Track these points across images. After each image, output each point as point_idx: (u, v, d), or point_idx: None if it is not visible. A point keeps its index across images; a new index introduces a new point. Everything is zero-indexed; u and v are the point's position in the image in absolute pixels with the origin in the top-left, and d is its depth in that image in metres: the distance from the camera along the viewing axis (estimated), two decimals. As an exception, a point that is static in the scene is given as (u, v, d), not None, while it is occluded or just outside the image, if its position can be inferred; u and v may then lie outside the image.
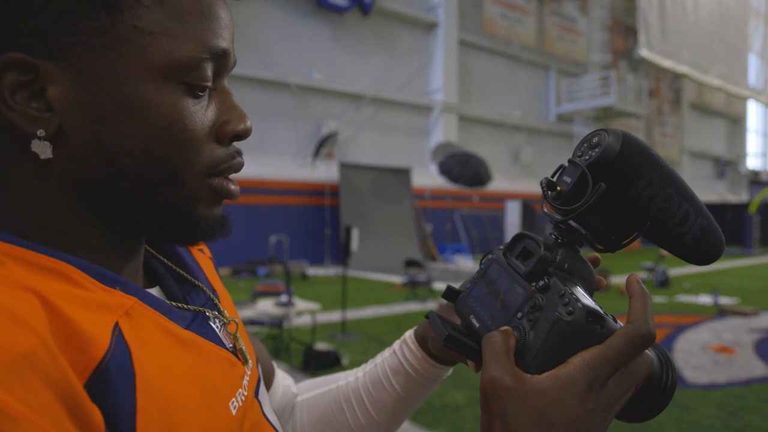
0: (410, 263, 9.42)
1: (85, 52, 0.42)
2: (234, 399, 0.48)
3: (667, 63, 20.16)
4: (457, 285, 0.60)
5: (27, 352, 0.32)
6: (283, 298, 5.22)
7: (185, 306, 0.51)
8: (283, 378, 0.74)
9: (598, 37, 21.86)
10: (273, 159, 13.63)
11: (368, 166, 14.43)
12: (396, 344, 0.68)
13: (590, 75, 20.65)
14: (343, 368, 5.00)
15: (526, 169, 19.57)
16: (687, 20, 21.16)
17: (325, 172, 14.00)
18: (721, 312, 8.05)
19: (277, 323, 5.27)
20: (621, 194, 0.48)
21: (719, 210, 25.41)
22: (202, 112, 0.46)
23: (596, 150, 0.47)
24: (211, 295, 0.56)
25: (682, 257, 0.51)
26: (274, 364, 0.74)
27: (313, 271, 12.40)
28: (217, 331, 0.52)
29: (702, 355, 5.78)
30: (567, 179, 0.48)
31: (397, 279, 10.58)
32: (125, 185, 0.44)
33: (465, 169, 11.78)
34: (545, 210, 0.51)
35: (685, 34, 20.90)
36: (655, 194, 0.48)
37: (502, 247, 0.56)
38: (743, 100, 29.47)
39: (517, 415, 0.41)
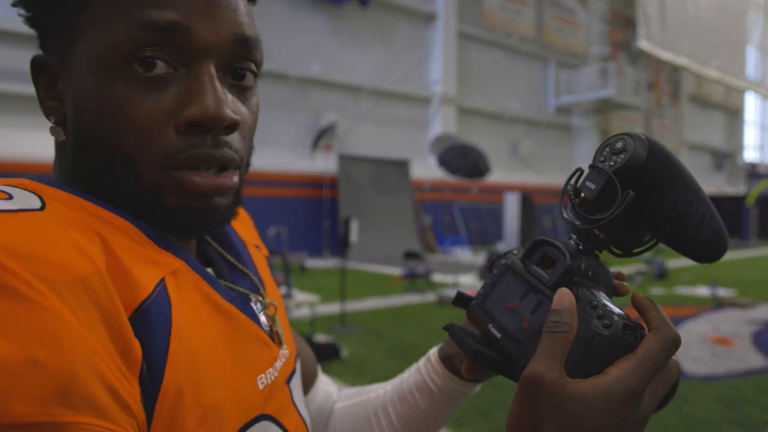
0: (409, 255, 9.42)
1: (69, 47, 0.46)
2: (263, 375, 0.49)
3: (666, 55, 20.09)
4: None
5: (83, 276, 0.36)
6: (282, 290, 5.20)
7: (231, 286, 0.53)
8: (326, 384, 0.76)
9: (598, 29, 21.76)
10: (271, 151, 13.52)
11: (367, 158, 14.36)
12: (421, 361, 0.68)
13: (589, 67, 20.57)
14: (342, 360, 5.00)
15: (524, 161, 19.53)
16: (686, 12, 21.05)
17: (324, 163, 13.96)
18: (719, 304, 8.05)
19: (275, 315, 5.26)
20: (643, 201, 0.46)
21: (717, 202, 25.24)
22: (153, 98, 0.44)
23: (621, 156, 0.46)
24: (257, 283, 0.58)
25: (690, 257, 0.51)
26: (319, 369, 0.76)
27: (312, 262, 12.40)
28: (257, 313, 0.54)
29: (700, 346, 5.77)
30: (591, 185, 0.47)
31: (396, 271, 10.57)
32: (102, 172, 0.46)
33: (464, 161, 11.72)
34: (566, 216, 0.50)
35: (685, 26, 20.81)
36: (678, 200, 0.47)
37: (516, 251, 0.54)
38: (741, 92, 29.40)
39: (551, 415, 0.41)
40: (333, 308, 7.14)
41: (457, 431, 3.55)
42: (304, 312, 6.39)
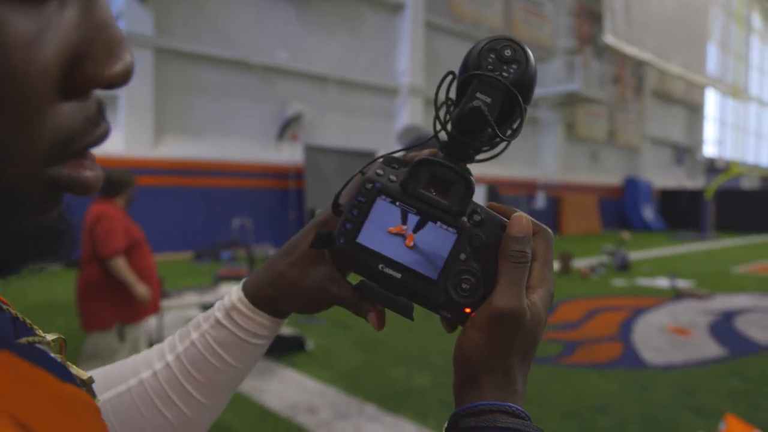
0: (376, 247, 9.40)
1: None
2: None
3: (631, 50, 20.52)
4: None
5: None
6: (247, 282, 5.14)
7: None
8: None
9: (564, 23, 22.06)
10: (236, 141, 13.42)
11: (333, 149, 14.25)
12: (218, 313, 0.55)
13: (556, 60, 20.85)
14: (307, 353, 4.97)
15: (491, 153, 19.66)
16: (650, 8, 21.52)
17: (290, 154, 13.82)
18: (678, 295, 8.31)
19: (239, 308, 5.20)
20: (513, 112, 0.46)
21: (677, 195, 26.14)
22: (49, 37, 0.25)
23: (514, 67, 0.44)
24: (18, 315, 0.35)
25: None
26: None
27: (277, 254, 12.29)
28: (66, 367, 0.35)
29: (660, 336, 5.95)
30: (485, 98, 0.43)
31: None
32: None
33: (431, 152, 11.80)
34: (449, 131, 0.45)
35: (649, 22, 21.28)
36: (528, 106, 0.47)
37: (381, 172, 0.46)
38: (702, 88, 30.26)
39: (518, 341, 0.43)
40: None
41: (422, 423, 3.58)
42: (268, 304, 6.35)
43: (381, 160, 0.48)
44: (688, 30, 24.04)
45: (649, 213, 24.75)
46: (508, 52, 0.44)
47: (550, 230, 0.47)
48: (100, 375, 0.55)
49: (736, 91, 26.40)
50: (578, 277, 9.93)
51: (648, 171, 26.93)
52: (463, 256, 0.44)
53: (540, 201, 19.91)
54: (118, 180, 3.45)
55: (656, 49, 21.62)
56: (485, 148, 0.46)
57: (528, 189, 20.36)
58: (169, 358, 0.54)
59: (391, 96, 16.66)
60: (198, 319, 0.56)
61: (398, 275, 0.45)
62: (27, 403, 0.25)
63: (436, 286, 0.44)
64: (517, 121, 0.46)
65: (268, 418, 3.72)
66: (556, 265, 10.71)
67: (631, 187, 24.88)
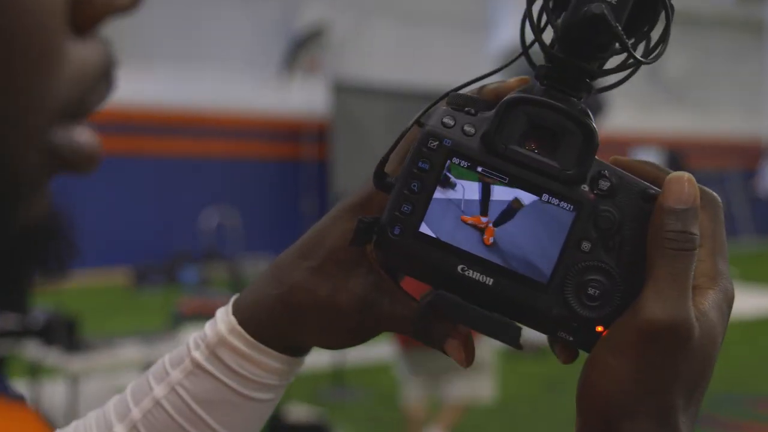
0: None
1: None
2: None
3: None
4: None
5: None
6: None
7: None
8: None
9: None
10: (212, 73, 9.73)
11: (383, 87, 10.02)
12: (196, 353, 0.42)
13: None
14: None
15: (673, 89, 13.46)
16: None
17: (305, 97, 9.85)
18: None
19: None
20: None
21: None
22: None
23: None
24: None
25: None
26: None
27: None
28: None
29: None
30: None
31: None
32: None
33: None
34: (542, 44, 0.35)
35: None
36: None
37: (450, 121, 0.36)
38: None
39: (683, 366, 0.34)
40: (320, 356, 5.39)
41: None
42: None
43: (447, 101, 0.38)
44: None
45: None
46: None
47: (716, 195, 0.37)
48: None
49: None
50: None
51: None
52: (586, 246, 0.36)
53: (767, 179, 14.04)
54: None
55: None
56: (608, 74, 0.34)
57: (744, 158, 14.17)
58: (134, 415, 0.43)
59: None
60: (162, 364, 0.44)
61: (489, 280, 0.36)
62: None
63: (546, 293, 0.36)
64: (662, 29, 0.36)
65: None
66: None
67: None
